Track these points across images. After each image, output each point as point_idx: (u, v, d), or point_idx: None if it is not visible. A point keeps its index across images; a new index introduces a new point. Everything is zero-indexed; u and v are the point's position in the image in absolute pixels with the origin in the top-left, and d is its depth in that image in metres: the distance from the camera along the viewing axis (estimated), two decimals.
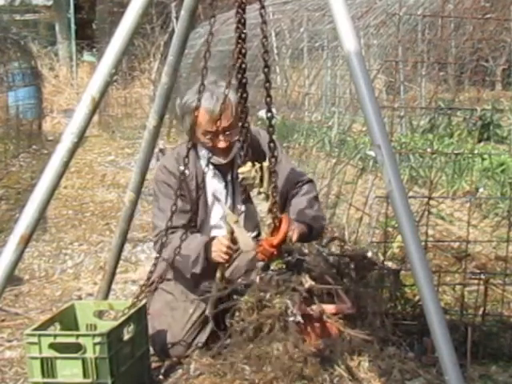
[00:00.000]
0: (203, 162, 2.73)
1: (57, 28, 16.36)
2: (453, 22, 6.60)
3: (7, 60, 8.50)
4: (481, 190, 5.36)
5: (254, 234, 2.84)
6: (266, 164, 2.33)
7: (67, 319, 2.51)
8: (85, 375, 2.26)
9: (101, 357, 2.24)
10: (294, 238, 2.46)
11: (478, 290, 2.87)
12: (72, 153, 1.81)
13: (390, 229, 3.18)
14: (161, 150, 6.08)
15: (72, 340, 2.27)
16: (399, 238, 3.10)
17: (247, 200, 2.64)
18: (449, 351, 1.76)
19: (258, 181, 2.34)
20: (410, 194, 4.19)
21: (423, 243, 2.80)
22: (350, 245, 3.60)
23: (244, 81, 2.30)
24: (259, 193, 2.36)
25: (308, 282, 2.33)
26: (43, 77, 11.42)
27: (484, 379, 2.52)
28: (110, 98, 10.95)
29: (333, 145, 5.98)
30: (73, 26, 16.40)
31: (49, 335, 2.29)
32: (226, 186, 2.76)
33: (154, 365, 2.62)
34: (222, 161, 2.69)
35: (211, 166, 2.72)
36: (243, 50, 2.25)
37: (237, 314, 2.32)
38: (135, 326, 2.42)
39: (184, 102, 2.68)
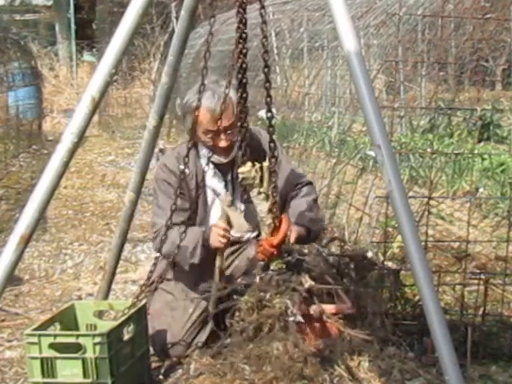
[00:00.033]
0: (203, 161, 2.73)
1: (57, 28, 16.36)
2: (453, 22, 6.60)
3: (7, 60, 8.50)
4: (481, 190, 5.36)
5: (254, 234, 2.84)
6: (265, 164, 2.33)
7: (67, 319, 2.51)
8: (85, 375, 2.26)
9: (101, 357, 2.24)
10: (292, 239, 2.46)
11: (478, 289, 2.87)
12: (72, 153, 1.81)
13: (390, 229, 3.18)
14: (161, 150, 6.07)
15: (72, 340, 2.27)
16: (399, 238, 3.10)
17: (247, 200, 2.64)
18: (449, 351, 1.76)
19: (257, 181, 2.34)
20: (410, 193, 4.19)
21: (423, 243, 2.80)
22: (349, 245, 3.60)
23: (244, 81, 2.30)
24: (259, 193, 2.36)
25: (308, 282, 2.33)
26: (43, 77, 11.43)
27: (484, 379, 2.52)
28: (110, 98, 10.95)
29: (333, 145, 5.98)
30: (73, 26, 16.40)
31: (49, 335, 2.29)
32: (226, 186, 2.76)
33: (154, 365, 2.62)
34: (223, 160, 2.70)
35: (211, 166, 2.73)
36: (244, 50, 2.26)
37: (237, 313, 2.32)
38: (135, 326, 2.42)
39: (185, 101, 2.68)
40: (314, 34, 7.76)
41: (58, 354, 2.27)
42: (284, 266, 2.37)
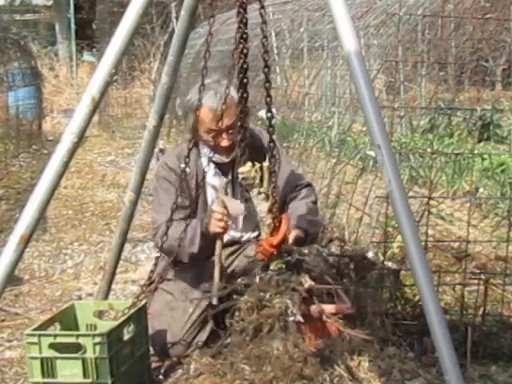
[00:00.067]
0: (204, 161, 2.74)
1: (57, 28, 16.36)
2: (453, 21, 6.60)
3: (7, 60, 8.50)
4: (481, 189, 5.36)
5: (255, 234, 2.84)
6: (265, 164, 2.33)
7: (67, 319, 2.51)
8: (85, 375, 2.26)
9: (101, 357, 2.24)
10: (290, 240, 2.46)
11: (478, 289, 2.87)
12: (72, 153, 1.81)
13: (390, 229, 3.18)
14: (161, 150, 6.07)
15: (72, 340, 2.27)
16: (399, 238, 3.10)
17: (248, 199, 2.64)
18: (449, 351, 1.76)
19: (257, 181, 2.34)
20: (410, 193, 4.19)
21: (423, 243, 2.80)
22: (349, 245, 3.60)
23: (245, 81, 2.30)
24: (259, 193, 2.36)
25: (308, 282, 2.32)
26: (43, 77, 11.43)
27: (484, 379, 2.52)
28: (110, 98, 10.95)
29: (333, 145, 5.97)
30: (73, 26, 16.40)
31: (49, 335, 2.29)
32: (227, 185, 2.76)
33: (154, 365, 2.62)
34: (224, 159, 2.70)
35: (212, 165, 2.73)
36: (245, 51, 2.26)
37: (237, 313, 2.32)
38: (135, 326, 2.42)
39: (187, 100, 2.69)
40: (314, 33, 7.75)
41: (57, 354, 2.27)
42: (284, 266, 2.37)
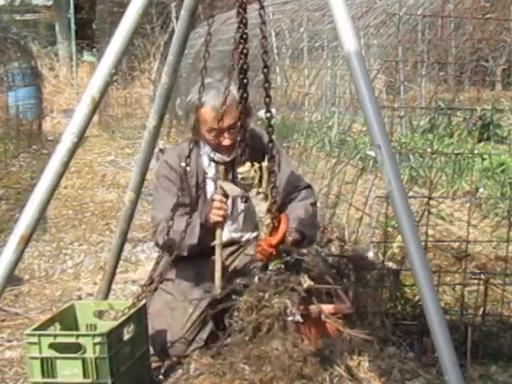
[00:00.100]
0: (205, 159, 2.74)
1: (57, 28, 16.37)
2: (453, 21, 6.60)
3: (7, 60, 8.50)
4: (481, 189, 5.36)
5: (254, 234, 2.84)
6: (265, 164, 2.33)
7: (67, 319, 2.51)
8: (85, 375, 2.26)
9: (101, 357, 2.24)
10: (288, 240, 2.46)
11: (478, 289, 2.87)
12: (72, 153, 1.81)
13: (390, 229, 3.18)
14: (161, 150, 6.08)
15: (72, 340, 2.27)
16: (399, 238, 3.10)
17: (247, 199, 2.64)
18: (449, 351, 1.76)
19: (257, 181, 2.34)
20: (410, 193, 4.18)
21: (423, 243, 2.80)
22: (349, 245, 3.60)
23: (245, 81, 2.30)
24: (258, 193, 2.36)
25: (307, 282, 2.33)
26: (43, 77, 11.42)
27: (484, 379, 2.52)
28: (110, 98, 10.95)
29: (333, 145, 5.97)
30: (73, 26, 16.41)
31: (49, 335, 2.29)
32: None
33: (154, 365, 2.62)
34: (225, 158, 2.71)
35: (213, 164, 2.74)
36: (245, 51, 2.26)
37: (236, 313, 2.32)
38: (135, 326, 2.42)
39: (189, 99, 2.70)
40: (314, 33, 7.75)
41: (57, 354, 2.27)
42: (283, 266, 2.37)
